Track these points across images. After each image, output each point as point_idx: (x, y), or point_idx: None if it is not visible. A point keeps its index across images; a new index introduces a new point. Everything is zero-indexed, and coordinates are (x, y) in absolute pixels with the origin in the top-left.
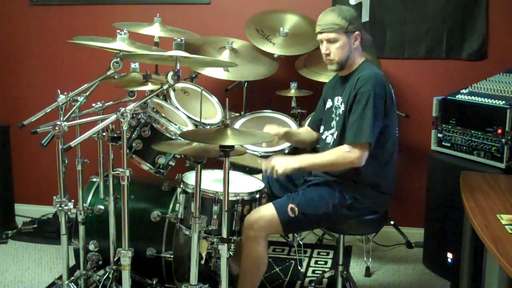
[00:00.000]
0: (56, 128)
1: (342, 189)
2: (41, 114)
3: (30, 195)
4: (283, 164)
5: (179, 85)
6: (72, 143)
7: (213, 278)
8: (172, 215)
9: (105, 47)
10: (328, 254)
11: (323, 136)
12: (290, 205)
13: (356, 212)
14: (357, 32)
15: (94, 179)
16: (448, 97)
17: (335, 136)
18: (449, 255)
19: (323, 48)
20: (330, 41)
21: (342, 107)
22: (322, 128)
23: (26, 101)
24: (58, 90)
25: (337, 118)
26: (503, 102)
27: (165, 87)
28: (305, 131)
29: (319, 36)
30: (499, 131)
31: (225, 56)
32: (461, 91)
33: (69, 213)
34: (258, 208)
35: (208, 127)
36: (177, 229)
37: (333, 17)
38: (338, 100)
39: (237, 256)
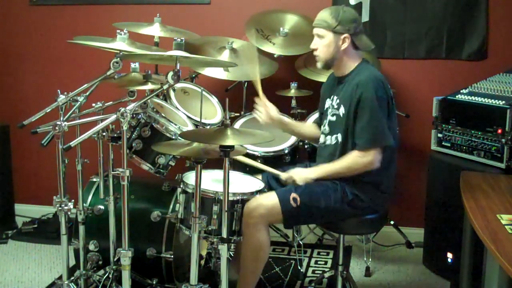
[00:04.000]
0: (56, 128)
1: (344, 185)
2: (41, 114)
3: (30, 195)
4: (303, 175)
5: (179, 85)
6: (72, 143)
7: (213, 278)
8: (172, 215)
9: (105, 47)
10: (328, 254)
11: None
12: (293, 195)
13: (357, 210)
14: (345, 35)
15: (94, 179)
16: (448, 97)
17: (340, 138)
18: (449, 255)
19: (312, 43)
20: (319, 36)
21: (342, 109)
22: (322, 127)
23: (26, 101)
24: (58, 90)
25: (335, 118)
26: (503, 102)
27: (165, 87)
28: (309, 126)
29: (313, 31)
30: (499, 131)
31: (225, 56)
32: (461, 91)
33: (69, 213)
34: (260, 196)
35: (208, 127)
36: (177, 229)
37: (325, 14)
38: (334, 99)
39: (236, 260)
